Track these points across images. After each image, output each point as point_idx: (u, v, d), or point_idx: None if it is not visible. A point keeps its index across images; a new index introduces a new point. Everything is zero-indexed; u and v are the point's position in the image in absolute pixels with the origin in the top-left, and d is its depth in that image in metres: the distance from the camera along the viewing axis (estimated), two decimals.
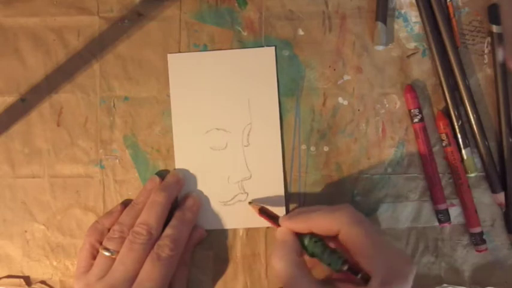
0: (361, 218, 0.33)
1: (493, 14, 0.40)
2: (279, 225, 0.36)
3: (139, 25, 0.41)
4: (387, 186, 0.40)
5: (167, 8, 0.41)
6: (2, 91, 0.41)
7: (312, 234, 0.34)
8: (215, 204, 0.40)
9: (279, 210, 0.40)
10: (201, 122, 0.40)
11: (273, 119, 0.40)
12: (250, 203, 0.39)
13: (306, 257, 0.34)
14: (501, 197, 0.40)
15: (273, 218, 0.37)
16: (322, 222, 0.34)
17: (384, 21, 0.40)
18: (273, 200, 0.40)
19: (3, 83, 0.41)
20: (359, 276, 0.32)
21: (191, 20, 0.41)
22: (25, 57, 0.41)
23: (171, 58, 0.41)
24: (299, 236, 0.35)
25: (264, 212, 0.38)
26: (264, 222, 0.39)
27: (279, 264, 0.33)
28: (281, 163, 0.40)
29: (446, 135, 0.39)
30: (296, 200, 0.40)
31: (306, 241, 0.34)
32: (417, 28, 0.41)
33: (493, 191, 0.40)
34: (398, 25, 0.41)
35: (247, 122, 0.40)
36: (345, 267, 0.32)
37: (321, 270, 0.35)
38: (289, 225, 0.35)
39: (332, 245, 0.34)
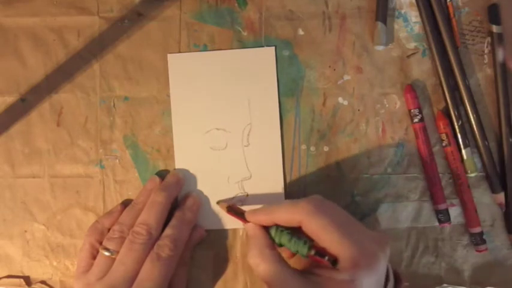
0: (324, 206, 0.33)
1: (493, 14, 0.40)
2: (246, 221, 0.36)
3: (139, 25, 0.41)
4: (387, 186, 0.40)
5: (167, 8, 0.41)
6: (2, 91, 0.41)
7: (278, 225, 0.35)
8: (215, 204, 0.40)
9: None
10: (201, 122, 0.40)
11: (273, 119, 0.40)
12: (218, 202, 0.40)
13: (284, 249, 0.35)
14: (501, 197, 0.40)
15: (241, 215, 0.37)
16: (284, 214, 0.34)
17: (384, 21, 0.40)
18: (273, 200, 0.40)
19: (3, 83, 0.41)
20: (326, 258, 0.32)
21: (191, 20, 0.41)
22: (25, 57, 0.41)
23: (171, 58, 0.41)
24: (266, 228, 0.35)
25: (232, 210, 0.38)
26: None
27: (258, 260, 0.33)
28: (281, 163, 0.40)
29: (446, 135, 0.39)
30: None
31: (272, 232, 0.35)
32: (417, 28, 0.41)
33: (493, 191, 0.40)
34: (398, 25, 0.41)
35: (247, 122, 0.40)
36: (312, 252, 0.33)
37: (299, 260, 0.36)
38: (253, 219, 0.36)
39: (300, 233, 0.35)
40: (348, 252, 0.31)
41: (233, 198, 0.40)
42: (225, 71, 0.40)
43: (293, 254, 0.36)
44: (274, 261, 0.33)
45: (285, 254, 0.36)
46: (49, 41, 0.41)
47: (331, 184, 0.40)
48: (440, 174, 0.40)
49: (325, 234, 0.32)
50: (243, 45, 0.41)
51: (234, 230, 0.40)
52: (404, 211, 0.40)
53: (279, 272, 0.33)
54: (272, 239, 0.35)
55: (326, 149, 0.40)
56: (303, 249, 0.33)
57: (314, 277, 0.33)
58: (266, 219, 0.35)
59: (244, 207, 0.38)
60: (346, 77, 0.41)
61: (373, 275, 0.31)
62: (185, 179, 0.40)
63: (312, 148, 0.40)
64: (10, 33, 0.41)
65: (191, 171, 0.40)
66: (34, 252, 0.41)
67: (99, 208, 0.41)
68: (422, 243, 0.40)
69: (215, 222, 0.40)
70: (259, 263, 0.33)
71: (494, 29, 0.40)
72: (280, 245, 0.35)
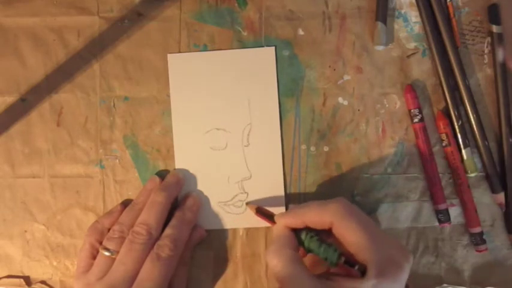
0: (353, 210, 0.33)
1: (493, 14, 0.40)
2: (274, 223, 0.36)
3: (139, 25, 0.41)
4: (387, 186, 0.40)
5: (167, 8, 0.41)
6: (2, 91, 0.41)
7: (308, 230, 0.34)
8: (215, 204, 0.40)
9: (279, 210, 0.40)
10: (201, 122, 0.40)
11: (273, 119, 0.40)
12: (247, 204, 0.39)
13: (303, 256, 0.35)
14: (501, 197, 0.40)
15: (270, 217, 0.37)
16: (315, 215, 0.34)
17: (384, 21, 0.40)
18: (273, 200, 0.40)
19: (3, 83, 0.41)
20: (356, 268, 0.32)
21: (191, 20, 0.41)
22: (25, 57, 0.41)
23: (171, 58, 0.41)
24: (295, 231, 0.35)
25: (260, 212, 0.38)
26: (264, 222, 0.39)
27: (275, 259, 0.33)
28: (281, 163, 0.40)
29: (446, 135, 0.39)
30: (296, 200, 0.40)
31: (303, 236, 0.34)
32: (417, 28, 0.41)
33: (493, 191, 0.40)
34: (398, 25, 0.41)
35: (247, 122, 0.40)
36: (342, 260, 0.32)
37: (318, 268, 0.35)
38: (284, 221, 0.35)
39: (328, 239, 0.34)
40: (375, 259, 0.31)
41: (233, 198, 0.40)
42: (225, 71, 0.40)
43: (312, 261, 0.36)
44: (295, 262, 0.32)
45: (306, 261, 0.35)
46: (49, 41, 0.41)
47: (331, 184, 0.40)
48: (440, 174, 0.40)
49: (355, 238, 0.32)
50: (243, 45, 0.41)
51: (234, 230, 0.40)
52: (404, 211, 0.40)
53: (296, 273, 0.32)
54: (301, 244, 0.34)
55: (326, 149, 0.40)
56: (333, 257, 0.33)
57: (332, 283, 0.32)
58: (296, 220, 0.35)
59: (272, 209, 0.38)
60: (346, 77, 0.41)
61: (396, 285, 0.31)
62: (185, 179, 0.40)
63: (312, 148, 0.40)
64: (10, 33, 0.41)
65: (191, 171, 0.40)
66: (34, 252, 0.41)
67: (99, 208, 0.41)
68: (422, 243, 0.40)
69: (215, 222, 0.40)
70: (278, 262, 0.32)
71: (494, 29, 0.40)
72: (309, 251, 0.34)
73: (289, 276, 0.32)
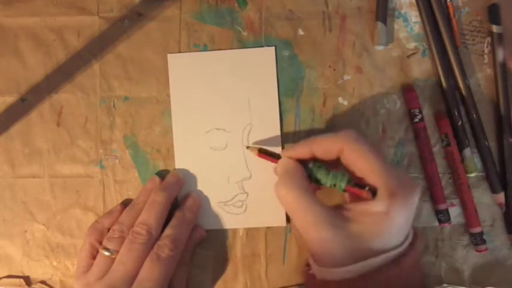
0: (362, 137, 0.33)
1: (493, 14, 0.40)
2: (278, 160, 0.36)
3: (139, 25, 0.41)
4: None
5: (167, 8, 0.41)
6: (2, 91, 0.41)
7: (315, 161, 0.34)
8: (215, 204, 0.40)
9: (279, 212, 0.40)
10: (201, 122, 0.40)
11: (273, 119, 0.40)
12: (247, 147, 0.39)
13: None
14: (501, 197, 0.40)
15: (274, 155, 0.37)
16: (325, 142, 0.34)
17: (384, 21, 0.40)
18: (273, 200, 0.40)
19: (3, 83, 0.41)
20: (366, 188, 0.32)
21: (191, 20, 0.41)
22: (25, 57, 0.41)
23: (171, 58, 0.41)
24: (302, 163, 0.35)
25: (263, 152, 0.37)
26: (264, 222, 0.39)
27: (283, 189, 0.33)
28: None
29: (446, 135, 0.39)
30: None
31: (310, 165, 0.34)
32: (417, 28, 0.41)
33: (493, 191, 0.40)
34: (398, 25, 0.41)
35: (247, 122, 0.40)
36: (351, 184, 0.32)
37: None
38: (292, 153, 0.35)
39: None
40: (387, 181, 0.31)
41: (233, 198, 0.40)
42: (225, 71, 0.40)
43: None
44: (302, 190, 0.32)
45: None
46: (49, 41, 0.41)
47: None
48: (440, 174, 0.40)
49: (366, 161, 0.32)
50: (243, 45, 0.41)
51: (234, 230, 0.40)
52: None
53: (307, 201, 0.32)
54: (309, 175, 0.34)
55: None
56: (342, 182, 0.32)
57: (344, 211, 0.32)
58: (304, 150, 0.34)
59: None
60: (346, 77, 0.41)
61: (407, 208, 0.31)
62: (185, 179, 0.40)
63: None
64: (10, 33, 0.41)
65: (191, 171, 0.40)
66: (34, 252, 0.41)
67: (99, 208, 0.41)
68: (422, 243, 0.40)
69: (215, 222, 0.40)
70: (288, 192, 0.32)
71: (494, 29, 0.40)
72: (316, 181, 0.34)
73: (299, 204, 0.32)
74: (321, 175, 0.34)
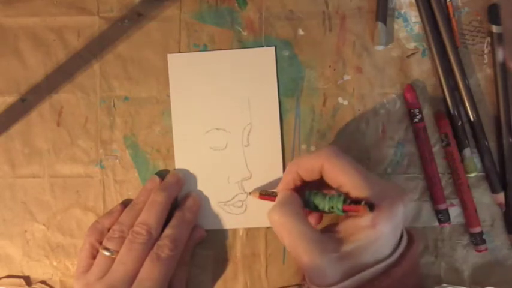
0: (342, 153, 0.34)
1: (493, 14, 0.40)
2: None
3: (139, 25, 0.41)
4: None
5: (167, 8, 0.41)
6: (2, 91, 0.41)
7: (311, 189, 0.35)
8: (215, 204, 0.40)
9: None
10: (201, 122, 0.40)
11: (273, 119, 0.40)
12: (250, 193, 0.39)
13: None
14: (501, 197, 0.40)
15: (274, 194, 0.37)
16: (307, 162, 0.34)
17: (384, 21, 0.40)
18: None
19: (3, 83, 0.41)
20: (362, 203, 0.31)
21: (191, 20, 0.41)
22: (25, 57, 0.41)
23: (171, 58, 0.41)
24: (298, 192, 0.35)
25: (264, 194, 0.37)
26: (264, 222, 0.39)
27: (276, 215, 0.33)
28: (281, 163, 0.40)
29: (446, 135, 0.39)
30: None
31: (307, 193, 0.34)
32: (417, 28, 0.41)
33: (493, 191, 0.40)
34: (398, 25, 0.41)
35: (247, 122, 0.40)
36: (348, 203, 0.32)
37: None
38: (282, 183, 0.36)
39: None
40: (369, 194, 0.31)
41: (233, 198, 0.40)
42: (225, 71, 0.40)
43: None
44: (293, 214, 0.33)
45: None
46: (49, 41, 0.41)
47: None
48: (440, 174, 0.40)
49: (347, 176, 0.32)
50: (243, 45, 0.41)
51: (234, 230, 0.40)
52: (405, 211, 0.40)
53: (298, 224, 0.32)
54: (306, 202, 0.34)
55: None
56: (338, 203, 0.33)
57: (335, 234, 0.33)
58: (291, 175, 0.35)
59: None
60: (346, 77, 0.41)
61: (393, 219, 0.31)
62: (185, 179, 0.40)
63: (312, 148, 0.40)
64: (10, 33, 0.41)
65: (191, 171, 0.40)
66: (34, 252, 0.41)
67: (99, 208, 0.41)
68: (422, 243, 0.40)
69: (215, 222, 0.40)
70: (280, 217, 0.33)
71: (494, 29, 0.40)
72: (315, 208, 0.34)
73: (291, 230, 0.32)
74: (317, 200, 0.34)
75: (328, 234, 0.33)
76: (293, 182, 0.35)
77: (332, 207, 0.33)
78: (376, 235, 0.31)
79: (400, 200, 0.32)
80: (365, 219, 0.31)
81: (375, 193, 0.32)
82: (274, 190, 0.37)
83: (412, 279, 0.33)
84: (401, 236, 0.33)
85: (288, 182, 0.35)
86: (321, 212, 0.35)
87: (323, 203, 0.34)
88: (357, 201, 0.32)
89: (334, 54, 0.41)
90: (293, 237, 0.32)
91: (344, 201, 0.33)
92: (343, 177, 0.33)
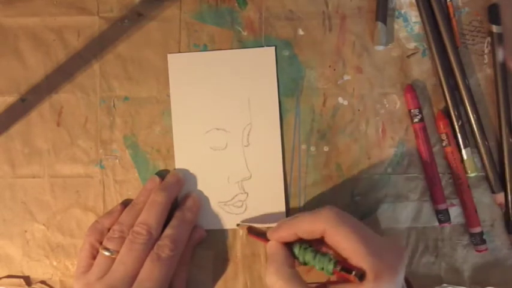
0: (345, 216, 0.33)
1: (493, 14, 0.40)
2: (268, 241, 0.36)
3: (139, 25, 0.41)
4: (387, 186, 0.40)
5: (167, 8, 0.41)
6: (2, 91, 0.41)
7: (301, 242, 0.34)
8: (215, 204, 0.40)
9: (279, 212, 0.40)
10: (201, 122, 0.40)
11: (273, 119, 0.40)
12: (238, 225, 0.40)
13: (300, 266, 0.35)
14: (501, 197, 0.40)
15: (262, 235, 0.37)
16: (307, 225, 0.34)
17: (384, 21, 0.40)
18: (273, 200, 0.40)
19: (3, 83, 0.41)
20: (353, 274, 0.31)
21: (191, 20, 0.41)
22: (25, 57, 0.41)
23: (171, 58, 0.41)
24: (289, 245, 0.35)
25: (252, 232, 0.38)
26: (263, 222, 0.39)
27: (273, 280, 0.33)
28: (281, 163, 0.40)
29: (446, 135, 0.39)
30: (296, 200, 0.40)
31: (296, 250, 0.34)
32: (417, 28, 0.41)
33: (493, 191, 0.40)
34: (398, 25, 0.41)
35: (247, 122, 0.40)
36: (338, 268, 0.32)
37: (316, 276, 0.35)
38: (276, 236, 0.35)
39: (322, 248, 0.34)
40: (371, 264, 0.31)
41: (233, 198, 0.40)
42: (225, 71, 0.40)
43: (308, 270, 0.36)
44: (293, 280, 0.32)
45: (300, 270, 0.35)
46: (49, 41, 0.41)
47: (331, 184, 0.40)
48: (440, 174, 0.40)
49: (349, 244, 0.32)
50: (243, 45, 0.41)
51: (234, 230, 0.40)
52: (404, 211, 0.40)
53: (288, 284, 0.32)
54: (296, 257, 0.34)
55: (326, 149, 0.40)
56: (329, 266, 0.33)
57: None
58: (288, 233, 0.35)
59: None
60: (346, 77, 0.41)
61: (392, 285, 0.31)
62: (185, 179, 0.40)
63: (312, 148, 0.40)
64: (10, 33, 0.41)
65: (191, 171, 0.40)
66: (34, 252, 0.41)
67: (99, 208, 0.41)
68: (422, 243, 0.40)
69: (215, 222, 0.40)
70: (277, 281, 0.32)
71: (494, 29, 0.40)
72: (305, 263, 0.34)
73: None
74: (308, 258, 0.34)
75: None
76: (286, 239, 0.35)
77: (322, 268, 0.33)
78: None
79: (401, 267, 0.32)
80: (365, 287, 0.31)
81: (376, 262, 0.31)
82: (263, 227, 0.37)
83: None
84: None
85: (283, 237, 0.35)
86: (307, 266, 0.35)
87: (313, 262, 0.33)
88: (347, 269, 0.32)
89: (334, 54, 0.41)
90: None
91: (335, 265, 0.32)
92: (345, 244, 0.32)
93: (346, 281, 0.32)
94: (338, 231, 0.32)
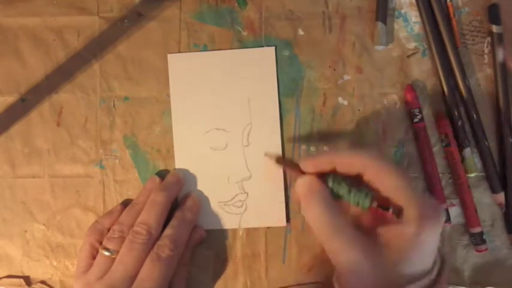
0: (387, 157, 0.32)
1: (493, 14, 0.40)
2: (300, 172, 0.34)
3: (139, 25, 0.41)
4: None
5: (167, 8, 0.41)
6: (2, 91, 0.41)
7: (335, 175, 0.33)
8: (215, 204, 0.40)
9: (279, 212, 0.40)
10: (201, 122, 0.40)
11: (273, 119, 0.40)
12: (265, 154, 0.38)
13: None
14: (501, 197, 0.40)
15: (293, 165, 0.35)
16: (347, 157, 0.32)
17: (384, 21, 0.40)
18: (273, 200, 0.40)
19: (3, 83, 0.41)
20: (390, 210, 0.30)
21: (191, 20, 0.41)
22: (25, 57, 0.41)
23: (171, 58, 0.41)
24: (322, 178, 0.33)
25: (281, 161, 0.36)
26: (264, 222, 0.39)
27: (317, 214, 0.31)
28: None
29: (446, 135, 0.39)
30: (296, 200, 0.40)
31: (330, 182, 0.33)
32: (417, 28, 0.41)
33: (493, 191, 0.40)
34: (398, 25, 0.41)
35: (247, 122, 0.40)
36: (375, 205, 0.31)
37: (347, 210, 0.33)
38: (312, 163, 0.33)
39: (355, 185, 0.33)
40: (415, 201, 0.29)
41: (233, 198, 0.40)
42: (225, 71, 0.40)
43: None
44: (332, 211, 0.30)
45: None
46: (49, 41, 0.41)
47: None
48: (440, 174, 0.40)
49: (392, 179, 0.30)
50: (243, 45, 0.41)
51: (234, 230, 0.40)
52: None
53: (338, 223, 0.30)
54: (330, 191, 0.32)
55: (326, 149, 0.40)
56: (365, 201, 0.31)
57: (374, 236, 0.30)
58: (325, 162, 0.33)
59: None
60: (346, 77, 0.41)
61: (436, 228, 0.29)
62: (185, 179, 0.40)
63: (312, 148, 0.40)
64: (10, 33, 0.41)
65: (191, 171, 0.40)
66: (34, 252, 0.41)
67: (99, 208, 0.41)
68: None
69: (215, 222, 0.40)
70: (317, 213, 0.31)
71: (494, 29, 0.40)
72: (337, 197, 0.32)
73: (330, 227, 0.30)
74: (342, 191, 0.32)
75: (368, 235, 0.31)
76: (322, 167, 0.33)
77: (358, 203, 0.31)
78: (419, 246, 0.29)
79: (443, 212, 0.31)
80: (409, 226, 0.29)
81: (420, 200, 0.29)
82: (292, 161, 0.35)
83: None
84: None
85: (320, 164, 0.33)
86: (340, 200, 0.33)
87: (347, 196, 0.32)
88: (384, 206, 0.30)
89: (334, 54, 0.41)
90: (332, 235, 0.30)
91: (371, 201, 0.31)
92: (388, 180, 0.30)
93: (388, 222, 0.31)
94: (381, 166, 0.31)
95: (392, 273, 0.29)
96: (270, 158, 0.38)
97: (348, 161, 0.32)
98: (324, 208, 0.31)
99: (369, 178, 0.32)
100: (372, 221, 0.32)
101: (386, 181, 0.31)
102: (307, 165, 0.34)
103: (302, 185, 0.33)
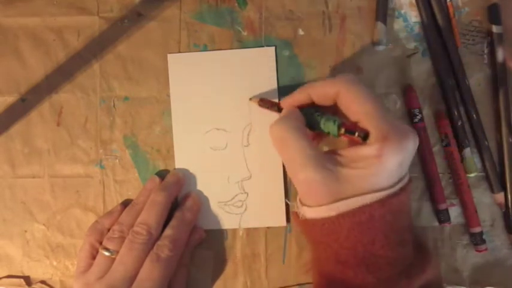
0: (360, 82, 0.33)
1: (493, 14, 0.40)
2: (280, 110, 0.36)
3: (139, 25, 0.41)
4: None
5: (167, 8, 0.41)
6: (2, 91, 0.41)
7: (308, 108, 0.34)
8: (215, 204, 0.40)
9: (279, 212, 0.40)
10: (201, 122, 0.40)
11: (273, 119, 0.40)
12: (250, 99, 0.39)
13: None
14: (501, 197, 0.40)
15: (274, 105, 0.37)
16: (322, 86, 0.33)
17: (384, 21, 0.40)
18: (273, 200, 0.40)
19: (3, 83, 0.41)
20: (356, 135, 0.31)
21: (191, 20, 0.41)
22: (25, 57, 0.41)
23: (171, 58, 0.41)
24: (300, 110, 0.35)
25: (264, 102, 0.38)
26: (264, 222, 0.39)
27: (280, 129, 0.32)
28: (281, 163, 0.40)
29: (446, 135, 0.39)
30: (296, 200, 0.40)
31: (304, 111, 0.34)
32: (417, 28, 0.41)
33: (493, 191, 0.40)
34: (398, 25, 0.41)
35: (247, 122, 0.40)
36: (342, 131, 0.32)
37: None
38: (289, 100, 0.35)
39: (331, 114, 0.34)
40: (380, 123, 0.30)
41: (233, 198, 0.40)
42: (225, 71, 0.40)
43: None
44: (296, 129, 0.32)
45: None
46: (49, 41, 0.41)
47: None
48: (440, 174, 0.40)
49: (360, 104, 0.31)
50: (243, 45, 0.41)
51: (234, 230, 0.40)
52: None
53: (298, 140, 0.31)
54: (306, 122, 0.34)
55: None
56: (334, 128, 0.32)
57: (336, 156, 0.32)
58: (302, 95, 0.34)
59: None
60: None
61: (400, 152, 0.30)
62: (185, 179, 0.40)
63: None
64: (10, 33, 0.41)
65: (191, 171, 0.40)
66: (34, 252, 0.41)
67: (99, 208, 0.41)
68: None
69: (215, 222, 0.40)
70: (278, 129, 0.32)
71: (494, 29, 0.40)
72: (312, 127, 0.34)
73: (291, 143, 0.32)
74: (315, 121, 0.34)
75: (329, 155, 0.32)
76: (300, 101, 0.35)
77: (329, 132, 0.33)
78: (379, 167, 0.30)
79: (412, 136, 0.31)
80: (370, 148, 0.30)
81: (385, 124, 0.30)
82: (275, 100, 0.38)
83: (404, 217, 0.32)
84: (405, 175, 0.32)
85: (297, 100, 0.35)
86: (319, 132, 0.35)
87: (319, 125, 0.33)
88: (351, 131, 0.31)
89: (334, 54, 0.41)
90: (292, 151, 0.32)
91: (339, 128, 0.32)
92: (357, 105, 0.31)
93: (351, 145, 0.32)
94: (351, 92, 0.32)
95: (350, 189, 0.30)
96: (254, 102, 0.39)
97: (323, 91, 0.33)
98: (291, 127, 0.32)
99: (341, 104, 0.33)
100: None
101: (356, 106, 0.32)
102: (285, 102, 0.36)
103: (281, 113, 0.35)
